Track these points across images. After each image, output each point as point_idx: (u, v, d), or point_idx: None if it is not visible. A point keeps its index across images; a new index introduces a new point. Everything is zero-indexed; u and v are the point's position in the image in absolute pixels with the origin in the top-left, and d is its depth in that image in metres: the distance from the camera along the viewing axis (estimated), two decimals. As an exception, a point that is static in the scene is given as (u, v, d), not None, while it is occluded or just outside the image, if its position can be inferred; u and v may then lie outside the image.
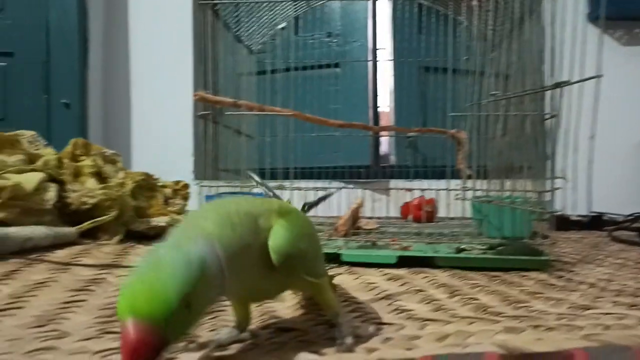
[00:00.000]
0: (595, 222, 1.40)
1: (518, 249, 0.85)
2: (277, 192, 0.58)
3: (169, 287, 0.27)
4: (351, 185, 1.15)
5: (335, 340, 0.39)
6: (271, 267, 0.35)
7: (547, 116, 0.78)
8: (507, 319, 0.50)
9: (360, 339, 0.41)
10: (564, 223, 1.34)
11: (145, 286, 0.27)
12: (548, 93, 0.73)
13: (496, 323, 0.48)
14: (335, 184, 1.31)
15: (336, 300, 0.43)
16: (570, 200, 0.60)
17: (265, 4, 1.04)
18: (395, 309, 0.53)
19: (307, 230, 0.40)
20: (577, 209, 0.95)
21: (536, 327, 0.46)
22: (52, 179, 0.94)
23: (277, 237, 0.36)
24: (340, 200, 1.16)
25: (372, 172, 1.82)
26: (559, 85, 0.64)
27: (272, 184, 0.92)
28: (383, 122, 2.05)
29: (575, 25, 0.61)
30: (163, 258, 0.29)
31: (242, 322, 0.41)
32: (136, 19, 2.03)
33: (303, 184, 1.06)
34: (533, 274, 0.76)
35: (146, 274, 0.28)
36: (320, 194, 0.65)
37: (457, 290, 0.63)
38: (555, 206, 0.75)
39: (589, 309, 0.53)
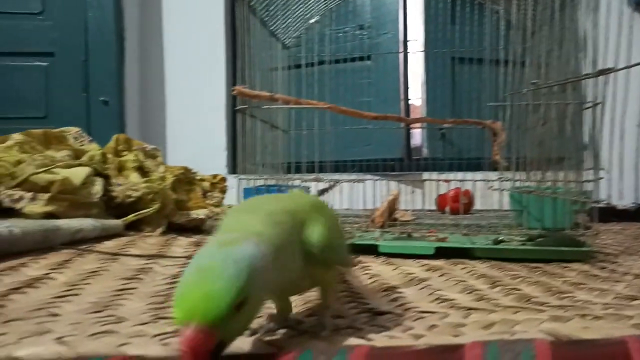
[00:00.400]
0: (640, 213, 1.36)
1: (559, 240, 0.84)
2: (313, 184, 0.59)
3: (223, 291, 0.28)
4: (377, 177, 1.15)
5: (318, 327, 0.40)
6: (307, 261, 0.36)
7: (589, 104, 0.76)
8: (551, 309, 0.49)
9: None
10: (606, 214, 1.31)
11: (199, 291, 0.28)
12: (589, 81, 0.71)
13: (541, 312, 0.48)
14: (369, 176, 1.31)
15: (335, 293, 0.44)
16: (616, 190, 0.59)
17: (299, -1, 1.05)
18: (437, 299, 0.54)
19: (337, 222, 0.42)
20: (623, 199, 0.93)
21: (583, 316, 0.46)
22: (97, 173, 0.98)
23: (318, 232, 0.37)
24: (375, 192, 1.16)
25: (405, 164, 1.82)
26: (602, 72, 0.63)
27: (308, 176, 0.93)
28: (414, 114, 2.04)
29: (621, 11, 0.60)
30: (214, 260, 0.29)
31: (285, 311, 0.43)
32: (170, 18, 2.08)
33: (337, 176, 1.07)
34: (575, 265, 0.75)
35: (199, 278, 0.28)
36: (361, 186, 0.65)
37: (497, 281, 0.63)
38: (598, 196, 0.74)
39: (636, 299, 0.52)
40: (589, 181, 0.74)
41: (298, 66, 1.27)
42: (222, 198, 1.14)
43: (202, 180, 1.13)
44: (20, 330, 0.40)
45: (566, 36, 0.84)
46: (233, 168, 2.05)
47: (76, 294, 0.52)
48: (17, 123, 1.85)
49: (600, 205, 0.71)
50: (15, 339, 0.38)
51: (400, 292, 0.56)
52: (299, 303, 0.50)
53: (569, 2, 0.86)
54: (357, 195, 1.07)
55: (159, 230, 0.98)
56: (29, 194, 0.87)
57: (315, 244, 0.37)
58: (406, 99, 2.01)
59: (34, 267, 0.65)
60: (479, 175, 1.18)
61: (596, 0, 0.74)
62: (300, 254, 0.36)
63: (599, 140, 0.73)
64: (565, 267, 0.74)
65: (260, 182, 0.93)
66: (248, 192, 0.94)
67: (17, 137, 0.96)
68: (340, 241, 0.40)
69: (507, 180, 0.92)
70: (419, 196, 1.41)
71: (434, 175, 1.65)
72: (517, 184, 0.92)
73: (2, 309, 0.46)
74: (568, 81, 0.74)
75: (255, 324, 0.42)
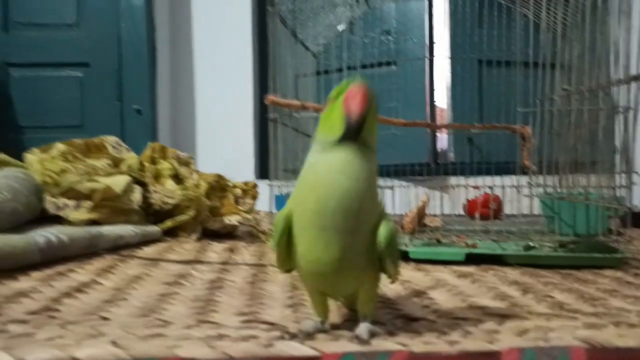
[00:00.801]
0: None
1: (591, 247, 0.84)
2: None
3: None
4: (406, 184, 1.15)
5: (356, 333, 0.42)
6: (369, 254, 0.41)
7: (620, 109, 0.76)
8: (585, 316, 0.50)
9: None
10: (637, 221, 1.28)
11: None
12: (621, 86, 0.71)
13: (575, 319, 0.48)
14: (398, 182, 1.32)
15: (374, 302, 0.46)
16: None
17: (327, 8, 1.06)
18: (470, 305, 0.54)
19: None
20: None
21: (617, 323, 0.46)
22: (136, 181, 1.02)
23: (387, 228, 0.42)
24: (402, 198, 1.17)
25: (432, 169, 1.82)
26: (635, 78, 0.63)
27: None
28: (441, 117, 2.03)
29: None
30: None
31: (322, 314, 0.45)
32: (199, 29, 2.13)
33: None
34: (607, 272, 0.74)
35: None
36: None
37: (529, 287, 0.63)
38: (632, 202, 0.73)
39: (672, 307, 0.52)
40: (621, 187, 0.73)
41: (327, 72, 1.29)
42: (254, 204, 1.16)
43: (234, 187, 1.16)
44: (77, 332, 0.43)
45: (597, 40, 0.83)
46: (261, 174, 2.09)
47: (124, 299, 0.55)
48: (54, 132, 1.93)
49: (634, 211, 0.71)
50: (73, 341, 0.40)
51: (432, 299, 0.58)
52: (333, 308, 0.52)
53: (600, 5, 0.85)
54: (386, 201, 1.08)
55: (194, 236, 1.01)
56: (73, 202, 0.91)
57: (383, 238, 0.41)
58: (432, 103, 2.01)
59: (81, 273, 0.69)
60: (507, 179, 1.18)
61: (629, 5, 0.73)
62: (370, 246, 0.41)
63: (632, 145, 0.73)
64: (598, 273, 0.74)
65: (291, 189, 0.95)
66: (279, 199, 0.96)
67: (60, 147, 1.01)
68: (398, 245, 0.45)
69: (537, 187, 0.92)
70: (447, 201, 1.41)
71: (462, 179, 1.65)
72: (549, 189, 0.91)
73: (57, 312, 0.49)
74: (599, 88, 0.73)
75: (294, 328, 0.44)
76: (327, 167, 0.40)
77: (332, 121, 0.41)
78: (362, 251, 0.41)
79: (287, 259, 0.45)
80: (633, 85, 0.66)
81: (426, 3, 1.95)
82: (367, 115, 0.40)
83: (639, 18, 0.67)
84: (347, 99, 0.40)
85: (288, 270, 0.47)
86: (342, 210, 0.40)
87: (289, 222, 0.43)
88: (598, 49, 0.81)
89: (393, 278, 0.45)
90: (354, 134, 0.39)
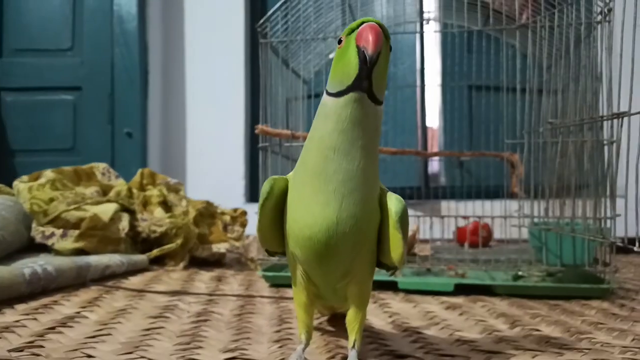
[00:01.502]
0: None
1: (578, 277, 0.84)
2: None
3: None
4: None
5: None
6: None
7: (605, 142, 0.77)
8: (570, 352, 0.50)
9: None
10: (624, 248, 1.29)
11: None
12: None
13: (560, 355, 0.49)
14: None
15: (361, 332, 0.45)
16: (636, 227, 0.59)
17: (318, 40, 1.08)
18: (457, 340, 0.55)
19: None
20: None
21: (602, 361, 0.47)
22: (124, 208, 1.01)
23: (397, 201, 0.43)
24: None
25: (423, 193, 1.83)
26: (619, 115, 0.64)
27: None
28: (432, 139, 2.05)
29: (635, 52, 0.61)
30: None
31: (307, 335, 0.45)
32: (192, 55, 2.15)
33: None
34: (594, 303, 0.75)
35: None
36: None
37: (517, 320, 0.64)
38: (616, 231, 0.74)
39: (656, 343, 0.53)
40: (605, 218, 0.74)
41: (318, 95, 1.30)
42: (243, 231, 1.16)
43: (223, 214, 1.15)
44: (60, 372, 0.42)
45: (582, 72, 0.85)
46: (251, 197, 2.09)
47: (108, 334, 0.55)
48: (46, 155, 1.93)
49: (618, 243, 0.71)
50: (55, 382, 0.40)
51: (420, 333, 0.57)
52: (318, 339, 0.52)
53: (584, 39, 0.88)
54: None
55: (182, 264, 1.00)
56: (60, 231, 0.91)
57: (395, 209, 0.42)
58: (423, 127, 2.03)
59: (67, 305, 0.68)
60: (497, 204, 1.18)
61: (610, 41, 0.75)
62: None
63: (615, 178, 0.74)
64: (585, 304, 0.74)
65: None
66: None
67: (49, 174, 1.01)
68: (408, 222, 0.44)
69: (525, 217, 0.93)
70: (437, 226, 1.41)
71: (452, 203, 1.66)
72: (536, 219, 0.92)
73: (41, 349, 0.49)
74: (583, 122, 0.75)
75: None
76: (331, 128, 0.40)
77: (345, 60, 0.40)
78: (358, 218, 0.40)
79: (269, 230, 0.44)
80: (615, 121, 0.67)
81: (418, 31, 1.99)
82: (381, 51, 0.38)
83: (620, 49, 0.69)
84: (361, 32, 0.38)
85: (270, 253, 0.47)
86: (342, 170, 0.39)
87: (279, 185, 0.43)
88: (583, 81, 0.83)
89: (398, 263, 0.42)
90: (368, 70, 0.38)
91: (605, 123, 0.76)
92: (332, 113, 0.40)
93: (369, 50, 0.37)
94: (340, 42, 0.41)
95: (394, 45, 1.85)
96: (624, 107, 0.66)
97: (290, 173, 0.44)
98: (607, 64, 0.73)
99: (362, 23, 0.39)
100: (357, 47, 0.39)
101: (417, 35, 2.00)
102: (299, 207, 0.41)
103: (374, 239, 0.43)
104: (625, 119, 0.63)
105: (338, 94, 0.40)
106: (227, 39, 2.12)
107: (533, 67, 0.91)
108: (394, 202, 0.42)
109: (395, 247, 0.42)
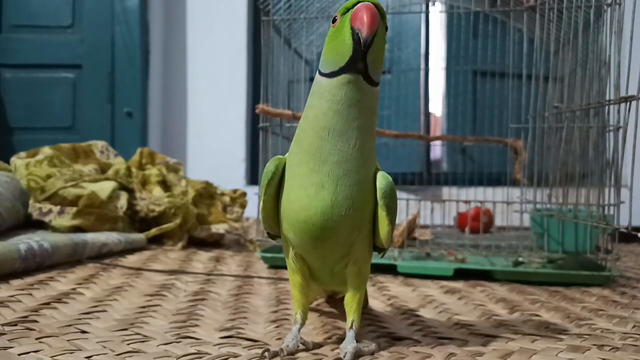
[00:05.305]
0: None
1: (579, 264, 0.83)
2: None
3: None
4: (404, 195, 1.15)
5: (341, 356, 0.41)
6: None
7: (611, 128, 0.76)
8: (570, 337, 0.49)
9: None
10: (628, 235, 1.28)
11: None
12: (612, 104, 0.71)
13: (560, 341, 0.48)
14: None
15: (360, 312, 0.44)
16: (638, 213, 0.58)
17: (321, 18, 1.06)
18: (456, 324, 0.54)
19: None
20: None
21: (601, 346, 0.46)
22: (122, 187, 1.00)
23: (387, 181, 0.42)
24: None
25: (424, 178, 1.81)
26: (627, 99, 0.63)
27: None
28: (435, 125, 2.04)
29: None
30: None
31: (303, 315, 0.44)
32: (193, 34, 2.12)
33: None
34: (595, 290, 0.74)
35: None
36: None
37: (517, 306, 0.63)
38: (619, 219, 0.73)
39: (657, 330, 0.52)
40: (609, 205, 0.73)
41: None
42: (242, 213, 1.15)
43: (222, 194, 1.15)
44: (54, 347, 0.42)
45: (589, 57, 0.83)
46: (251, 180, 2.08)
47: (103, 310, 0.54)
48: (44, 133, 1.91)
49: (621, 230, 0.70)
50: (49, 357, 0.39)
51: (419, 316, 0.57)
52: (315, 320, 0.51)
53: (592, 24, 0.86)
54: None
55: (180, 244, 1.00)
56: (57, 208, 0.90)
57: (379, 185, 0.41)
58: (427, 112, 2.01)
59: (63, 282, 0.68)
60: (499, 191, 1.17)
61: (619, 25, 0.74)
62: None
63: (621, 164, 0.73)
64: (585, 291, 0.74)
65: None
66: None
67: (47, 151, 1.00)
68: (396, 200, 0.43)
69: (528, 203, 0.92)
70: (438, 211, 1.40)
71: (454, 189, 1.65)
72: (538, 205, 0.91)
73: (35, 324, 0.48)
74: (590, 107, 0.74)
75: (276, 345, 0.43)
76: (326, 107, 0.39)
77: (339, 40, 0.39)
78: (355, 200, 0.39)
79: (273, 211, 0.43)
80: (623, 105, 0.66)
81: (422, 16, 1.95)
82: (377, 32, 0.37)
83: (630, 33, 0.68)
84: (356, 13, 0.37)
85: (272, 236, 0.46)
86: (337, 151, 0.39)
87: (282, 165, 0.42)
88: (590, 66, 0.81)
89: (385, 241, 0.42)
90: (363, 52, 0.37)
91: (611, 110, 0.75)
92: (326, 92, 0.39)
93: (364, 32, 0.37)
94: (334, 20, 0.40)
95: (399, 28, 1.83)
96: (632, 92, 0.64)
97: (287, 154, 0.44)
98: (616, 48, 0.72)
99: (358, 2, 0.38)
100: (352, 28, 0.38)
101: (423, 18, 1.97)
102: (294, 187, 0.40)
103: (372, 220, 0.42)
104: (633, 104, 0.62)
105: (331, 74, 0.39)
106: (229, 18, 2.09)
107: (540, 51, 0.90)
108: (379, 179, 0.41)
109: (381, 225, 0.41)
